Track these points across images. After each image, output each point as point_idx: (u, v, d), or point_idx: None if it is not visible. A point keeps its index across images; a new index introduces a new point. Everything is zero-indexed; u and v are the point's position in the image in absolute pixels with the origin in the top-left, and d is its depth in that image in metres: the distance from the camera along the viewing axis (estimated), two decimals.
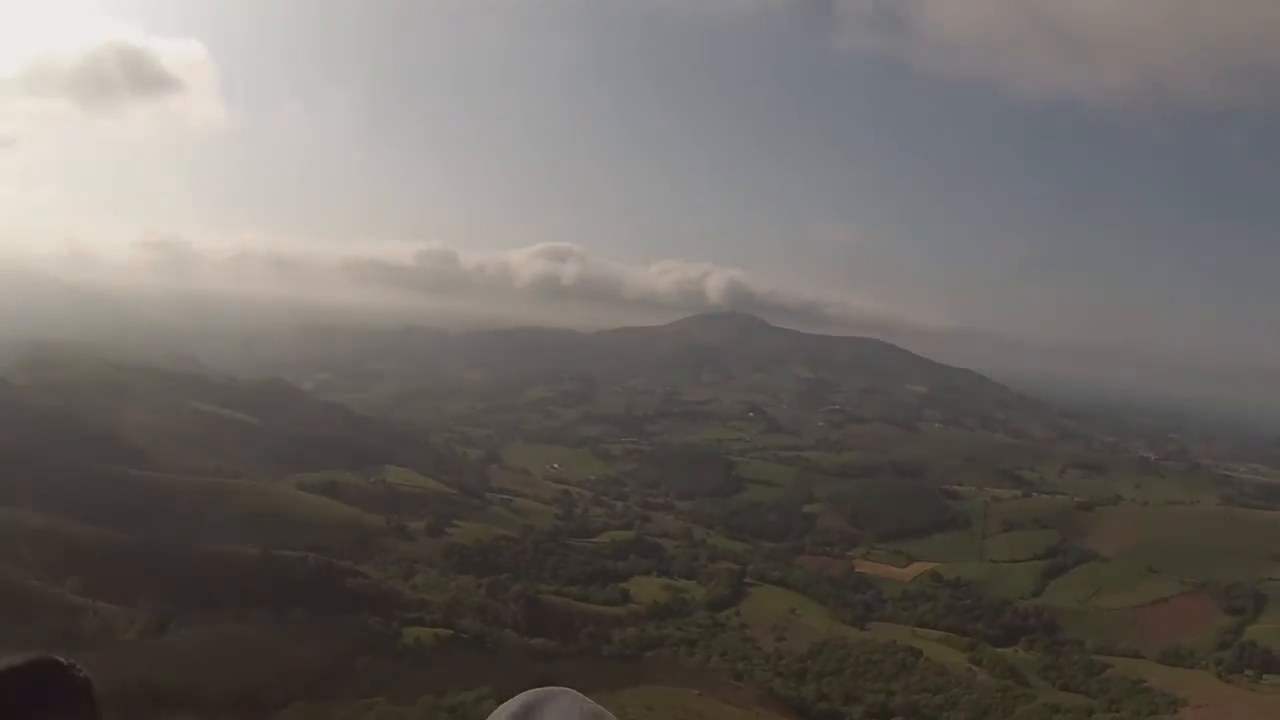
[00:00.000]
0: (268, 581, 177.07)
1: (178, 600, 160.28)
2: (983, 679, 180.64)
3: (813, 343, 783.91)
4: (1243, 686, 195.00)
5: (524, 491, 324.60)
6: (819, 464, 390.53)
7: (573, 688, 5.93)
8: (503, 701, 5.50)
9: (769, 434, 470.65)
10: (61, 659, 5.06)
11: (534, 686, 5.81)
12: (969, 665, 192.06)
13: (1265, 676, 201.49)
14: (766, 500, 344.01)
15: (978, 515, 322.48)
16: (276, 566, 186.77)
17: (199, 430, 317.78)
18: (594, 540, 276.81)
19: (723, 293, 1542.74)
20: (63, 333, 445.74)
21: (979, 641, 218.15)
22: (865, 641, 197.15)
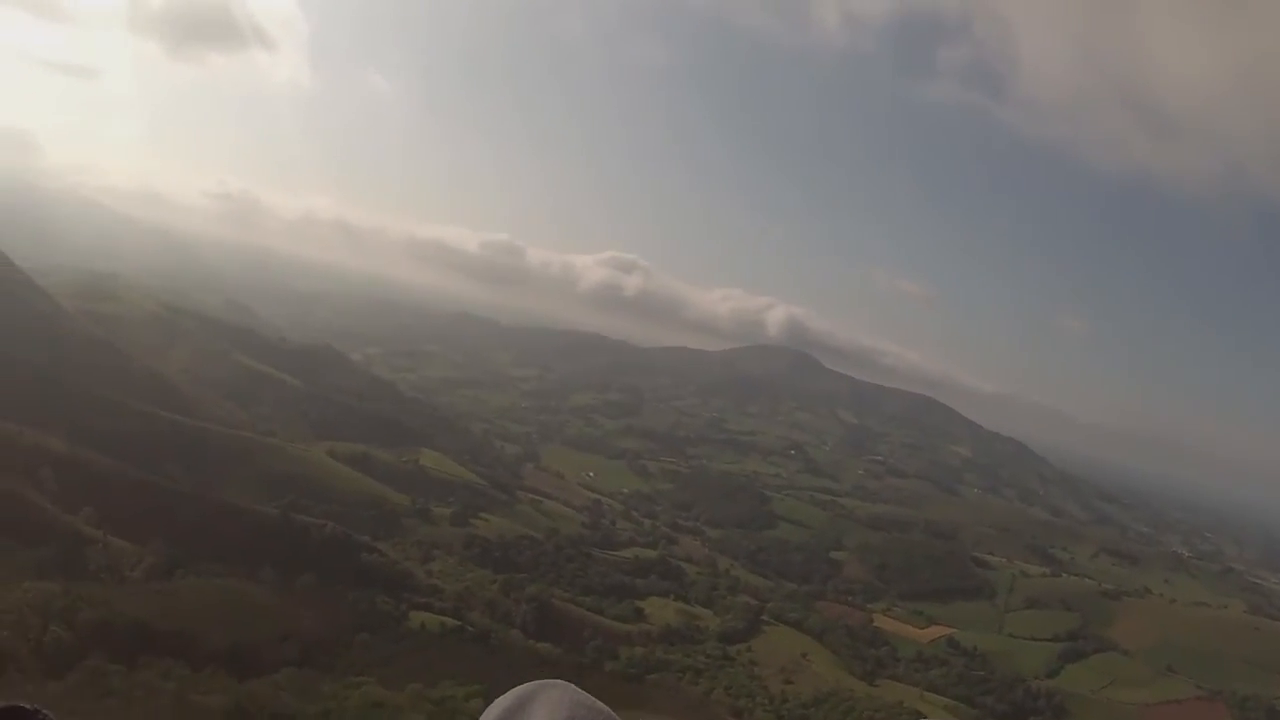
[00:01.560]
0: (282, 543, 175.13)
1: (189, 547, 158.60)
2: None
3: (863, 389, 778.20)
4: None
5: (555, 494, 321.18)
6: (853, 511, 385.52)
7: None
8: (491, 701, 5.76)
9: (807, 474, 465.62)
10: (27, 705, 5.20)
11: None
12: None
13: None
14: (795, 540, 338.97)
15: (1003, 587, 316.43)
16: (293, 529, 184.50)
17: (240, 382, 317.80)
18: (617, 554, 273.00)
19: (780, 326, 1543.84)
20: (121, 265, 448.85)
21: (985, 716, 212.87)
22: (872, 697, 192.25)
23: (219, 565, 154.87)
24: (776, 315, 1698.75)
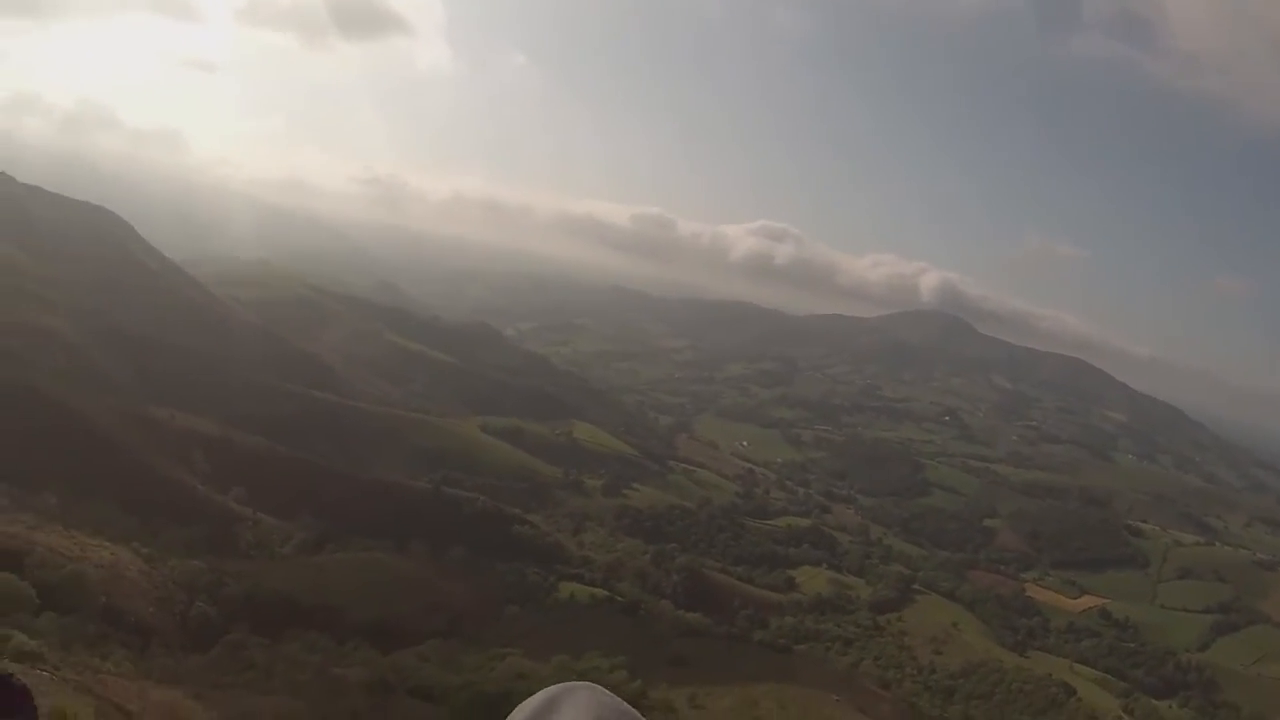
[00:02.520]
0: (433, 517, 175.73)
1: (339, 522, 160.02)
2: None
3: (1017, 354, 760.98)
4: None
5: (708, 464, 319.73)
6: (1006, 478, 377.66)
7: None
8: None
9: (961, 440, 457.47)
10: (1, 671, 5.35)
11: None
12: (1120, 713, 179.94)
13: None
14: (948, 507, 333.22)
15: (1157, 556, 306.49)
16: (444, 503, 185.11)
17: (391, 361, 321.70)
18: (769, 523, 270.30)
19: (934, 291, 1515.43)
20: (272, 252, 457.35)
21: (1135, 689, 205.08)
22: (1021, 669, 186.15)
23: (369, 540, 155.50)
24: (929, 280, 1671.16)
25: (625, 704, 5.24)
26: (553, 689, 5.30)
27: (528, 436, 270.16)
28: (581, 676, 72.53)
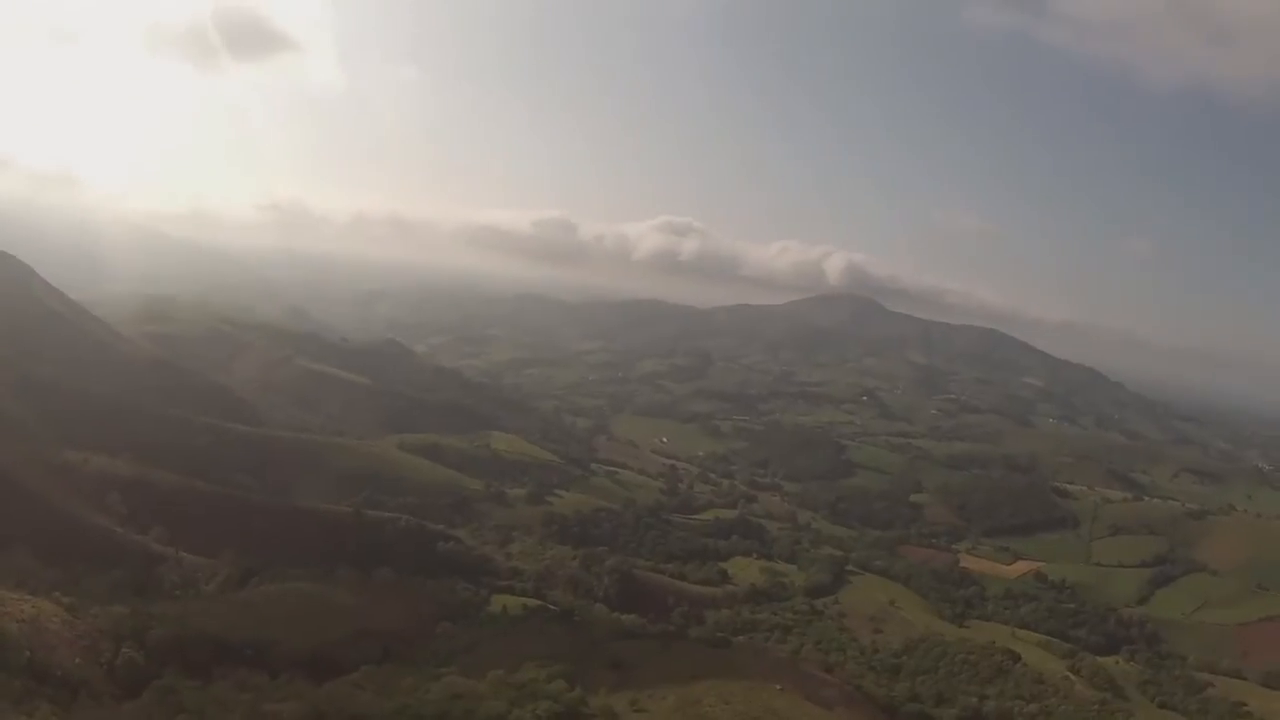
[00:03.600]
0: (357, 541, 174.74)
1: (263, 555, 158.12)
2: (1080, 689, 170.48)
3: (930, 329, 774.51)
4: None
5: (630, 464, 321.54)
6: (930, 452, 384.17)
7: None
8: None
9: (881, 419, 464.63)
10: None
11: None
12: (1067, 674, 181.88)
13: None
14: (874, 487, 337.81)
15: (1087, 516, 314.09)
16: (367, 526, 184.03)
17: (305, 387, 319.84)
18: (697, 517, 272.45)
19: (841, 274, 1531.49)
20: (179, 287, 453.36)
21: (1079, 649, 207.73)
22: (963, 640, 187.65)
23: (295, 570, 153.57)
24: (835, 263, 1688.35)
25: None
26: None
27: (446, 451, 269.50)
28: (519, 689, 72.63)
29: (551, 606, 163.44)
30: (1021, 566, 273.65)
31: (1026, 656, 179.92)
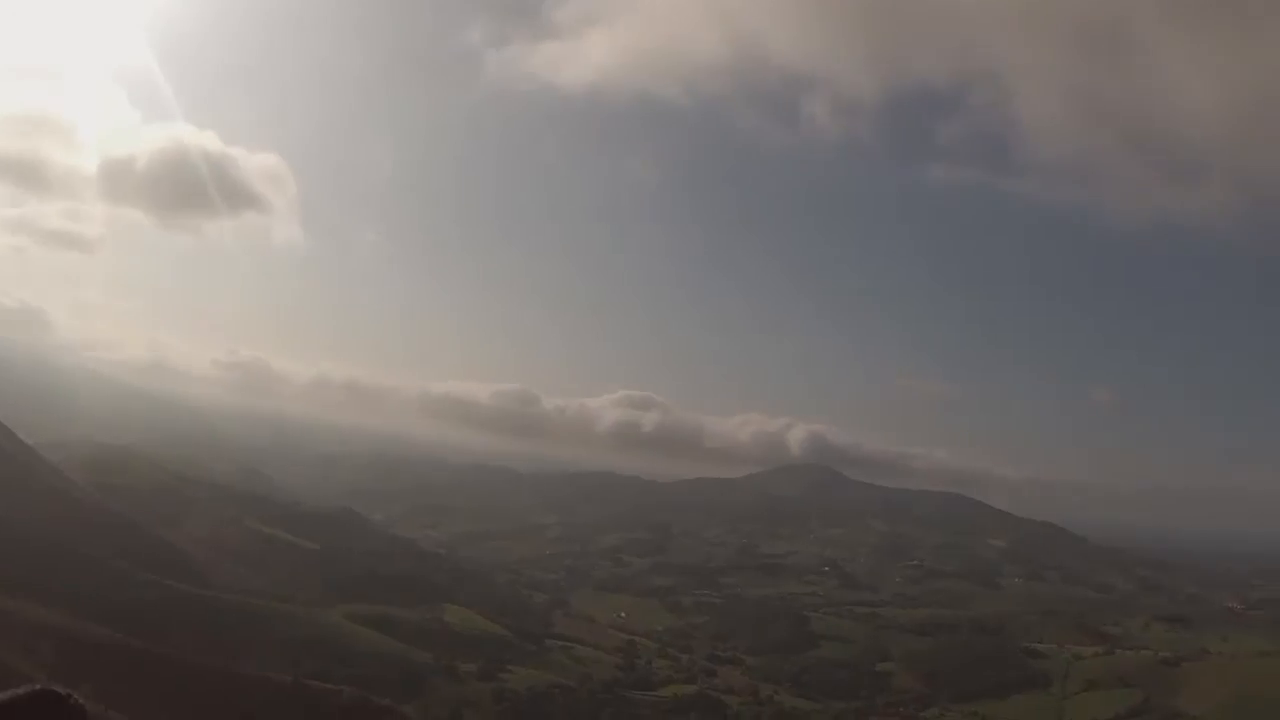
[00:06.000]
0: (296, 712, 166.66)
1: None
2: None
3: (892, 496, 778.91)
4: None
5: (586, 639, 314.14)
6: (895, 620, 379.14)
7: None
8: None
9: (844, 589, 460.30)
10: (60, 690, 5.70)
11: None
12: None
13: None
14: (838, 657, 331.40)
15: (1059, 674, 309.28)
16: (308, 697, 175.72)
17: (255, 550, 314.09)
18: (655, 694, 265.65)
19: (803, 445, 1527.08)
20: (134, 438, 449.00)
21: None
22: None
23: None
24: (797, 434, 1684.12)
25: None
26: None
27: (397, 623, 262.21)
28: None
29: None
30: None
31: None
